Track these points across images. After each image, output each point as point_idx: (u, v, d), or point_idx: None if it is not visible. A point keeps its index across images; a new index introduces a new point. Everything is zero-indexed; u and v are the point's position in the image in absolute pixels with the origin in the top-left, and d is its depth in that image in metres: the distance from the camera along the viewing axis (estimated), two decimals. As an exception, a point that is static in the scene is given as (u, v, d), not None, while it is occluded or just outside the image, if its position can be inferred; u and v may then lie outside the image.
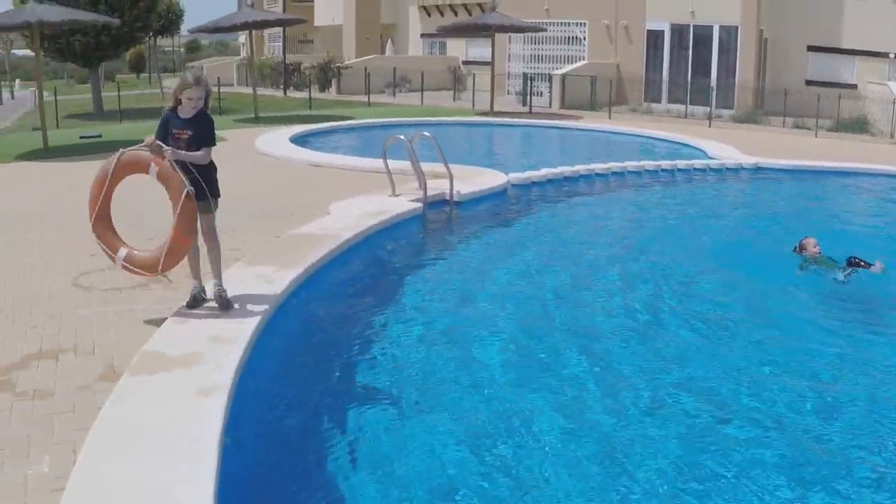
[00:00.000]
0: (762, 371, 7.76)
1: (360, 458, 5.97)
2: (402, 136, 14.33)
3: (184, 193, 7.57)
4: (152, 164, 7.66)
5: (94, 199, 8.01)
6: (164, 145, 7.62)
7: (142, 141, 7.72)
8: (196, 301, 7.97)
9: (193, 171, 7.70)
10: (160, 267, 7.87)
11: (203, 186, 7.79)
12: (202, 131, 7.74)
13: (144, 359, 6.72)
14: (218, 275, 8.05)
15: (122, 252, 8.01)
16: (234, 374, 6.38)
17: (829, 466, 5.94)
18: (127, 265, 8.00)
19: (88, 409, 6.09)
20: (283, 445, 6.23)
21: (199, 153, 7.70)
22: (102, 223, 8.06)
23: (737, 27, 34.83)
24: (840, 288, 10.37)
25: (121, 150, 7.93)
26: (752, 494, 5.51)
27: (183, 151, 7.64)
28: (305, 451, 6.10)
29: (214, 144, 7.86)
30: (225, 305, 7.90)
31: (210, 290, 8.06)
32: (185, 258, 7.99)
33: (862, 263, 10.54)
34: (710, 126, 30.22)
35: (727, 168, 20.01)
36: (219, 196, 8.03)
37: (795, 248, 11.21)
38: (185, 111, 7.73)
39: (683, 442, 6.24)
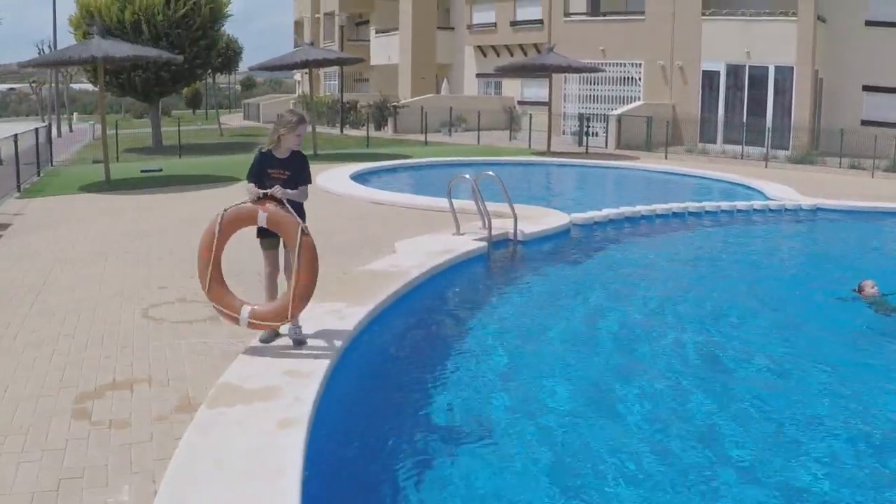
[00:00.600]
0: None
1: (438, 491, 5.97)
2: (468, 176, 14.39)
3: (299, 231, 7.56)
4: (260, 211, 7.63)
5: (203, 265, 7.76)
6: (268, 190, 7.66)
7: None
8: (270, 336, 8.00)
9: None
10: (290, 313, 7.69)
11: None
12: (299, 170, 7.85)
13: (221, 391, 6.75)
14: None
15: (245, 310, 7.73)
16: (312, 407, 6.40)
17: None
18: (254, 322, 7.73)
19: (166, 440, 6.13)
20: (362, 478, 6.24)
21: (297, 192, 7.76)
22: (217, 287, 7.79)
23: (792, 67, 34.81)
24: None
25: (222, 209, 7.78)
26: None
27: (290, 190, 7.70)
28: (383, 483, 6.10)
29: (311, 182, 7.94)
30: (300, 342, 7.95)
31: (284, 326, 8.08)
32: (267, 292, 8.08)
33: None
34: (766, 166, 30.02)
35: (786, 209, 19.80)
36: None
37: (855, 289, 11.33)
38: (283, 151, 7.80)
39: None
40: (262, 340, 7.98)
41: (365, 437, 6.90)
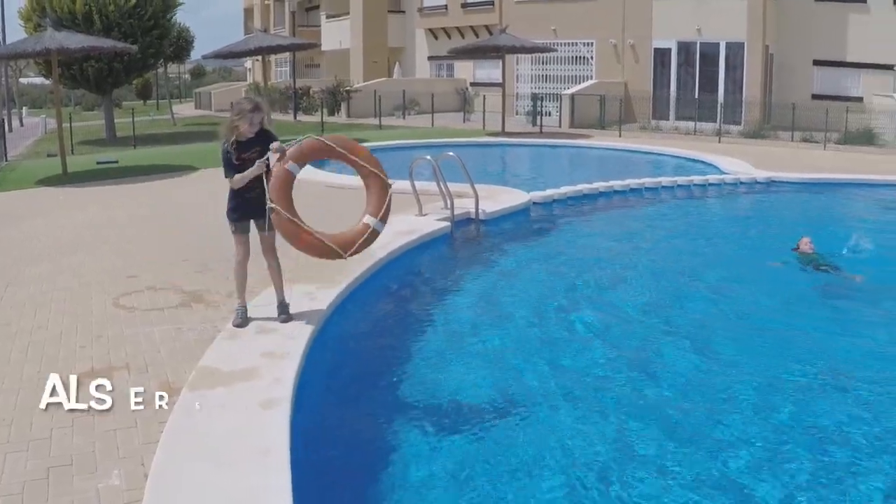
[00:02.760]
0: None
1: (419, 462, 6.14)
2: (429, 157, 14.52)
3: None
4: (287, 167, 7.89)
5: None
6: (268, 154, 7.83)
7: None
8: (244, 320, 8.13)
9: (266, 186, 7.84)
10: (353, 250, 8.11)
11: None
12: (269, 141, 7.90)
13: (202, 375, 6.86)
14: (282, 288, 8.33)
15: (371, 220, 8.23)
16: (292, 387, 6.53)
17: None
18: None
19: (151, 424, 6.21)
20: (346, 454, 6.40)
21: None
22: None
23: (743, 43, 35.07)
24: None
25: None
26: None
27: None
28: (366, 458, 6.27)
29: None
30: (289, 318, 8.18)
31: (268, 309, 8.23)
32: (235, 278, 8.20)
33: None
34: (719, 142, 30.32)
35: (741, 182, 20.17)
36: None
37: (794, 247, 11.99)
38: (245, 136, 7.84)
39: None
40: (234, 325, 8.10)
41: (344, 412, 7.09)
